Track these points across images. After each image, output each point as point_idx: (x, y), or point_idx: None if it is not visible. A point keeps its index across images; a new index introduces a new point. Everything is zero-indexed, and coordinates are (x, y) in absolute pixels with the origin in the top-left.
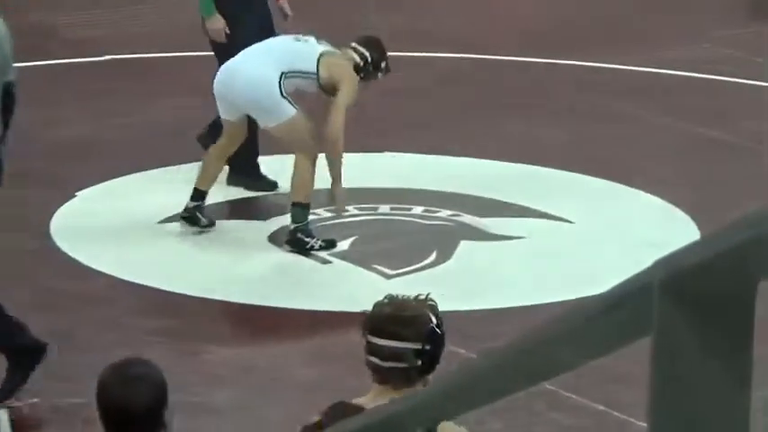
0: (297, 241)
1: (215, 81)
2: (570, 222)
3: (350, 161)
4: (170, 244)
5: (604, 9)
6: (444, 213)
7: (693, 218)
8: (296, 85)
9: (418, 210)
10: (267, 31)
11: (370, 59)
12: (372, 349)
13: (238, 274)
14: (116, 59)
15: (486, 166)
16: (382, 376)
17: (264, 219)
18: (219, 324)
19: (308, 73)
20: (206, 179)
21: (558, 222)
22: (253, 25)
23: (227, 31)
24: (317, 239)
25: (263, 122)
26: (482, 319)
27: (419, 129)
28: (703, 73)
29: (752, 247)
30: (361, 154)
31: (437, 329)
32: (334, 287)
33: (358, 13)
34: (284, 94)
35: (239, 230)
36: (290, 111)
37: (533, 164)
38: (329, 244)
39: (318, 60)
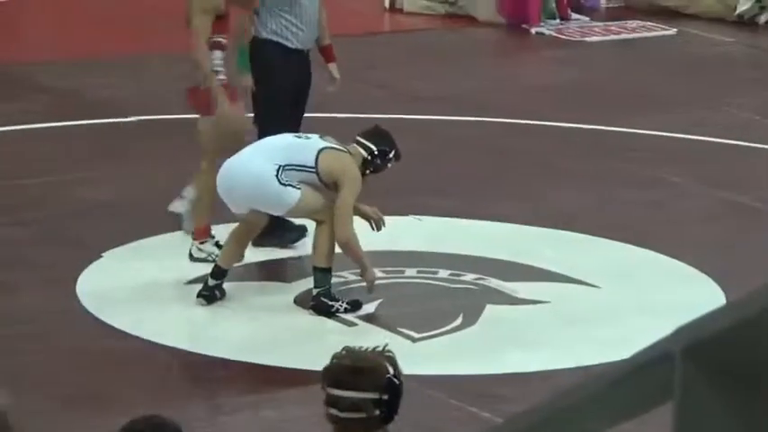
0: (321, 305)
1: (217, 178)
2: (596, 287)
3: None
4: (196, 306)
5: (631, 74)
6: (470, 277)
7: (720, 284)
8: (296, 178)
9: (444, 273)
10: (301, 92)
11: (377, 152)
12: (331, 400)
13: (264, 336)
14: (141, 120)
15: (512, 230)
16: (341, 427)
17: (290, 281)
18: (246, 386)
19: (305, 167)
20: (227, 259)
21: (584, 287)
22: (287, 81)
23: (253, 89)
24: (342, 302)
25: (274, 213)
26: (507, 384)
27: (444, 192)
28: (731, 139)
29: None
30: (385, 217)
31: (395, 379)
32: None
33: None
34: (284, 182)
35: (265, 293)
36: (294, 195)
37: (560, 228)
38: (354, 305)
39: (318, 155)
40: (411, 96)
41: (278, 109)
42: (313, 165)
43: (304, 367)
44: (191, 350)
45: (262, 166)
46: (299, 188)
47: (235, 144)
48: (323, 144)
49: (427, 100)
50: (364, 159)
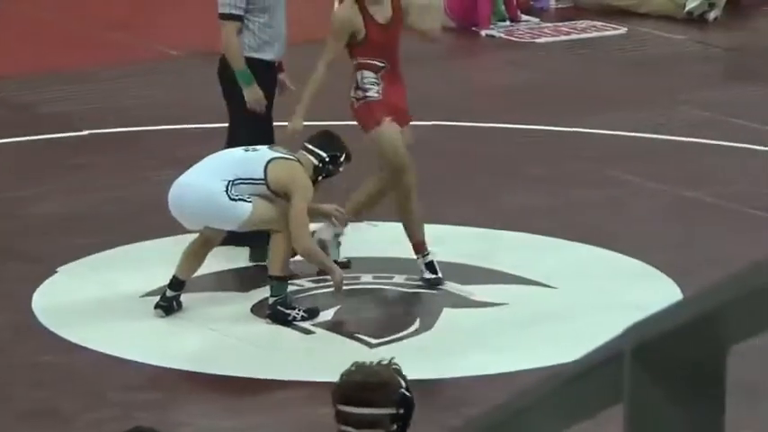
0: (277, 314)
1: (169, 197)
2: (553, 288)
3: None
4: (154, 318)
5: (583, 74)
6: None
7: (677, 281)
8: (248, 191)
9: (400, 278)
10: (272, 103)
11: (327, 158)
12: (345, 418)
13: (222, 346)
14: (96, 134)
15: (468, 233)
16: None
17: (247, 290)
18: (204, 397)
19: (255, 179)
20: (185, 270)
21: (541, 288)
22: (265, 95)
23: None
24: (298, 310)
25: (228, 228)
26: (465, 387)
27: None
28: (683, 136)
29: (721, 313)
30: None
31: (407, 393)
32: (317, 357)
33: None
34: (234, 197)
35: (222, 303)
36: (245, 209)
37: (515, 230)
38: (311, 313)
39: (266, 166)
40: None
41: (256, 124)
42: (262, 177)
43: (262, 376)
44: (148, 362)
45: (211, 183)
46: (250, 201)
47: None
48: (271, 155)
49: None
50: (315, 166)
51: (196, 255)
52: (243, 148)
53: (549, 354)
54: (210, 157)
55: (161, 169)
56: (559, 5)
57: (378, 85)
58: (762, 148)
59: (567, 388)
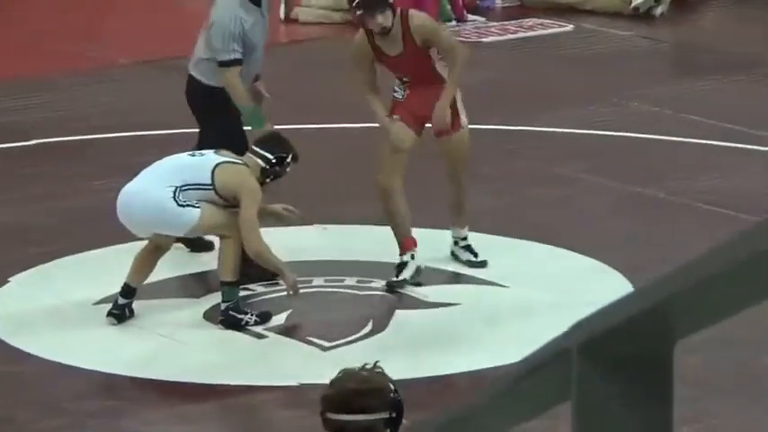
0: (230, 319)
1: (117, 204)
2: (505, 287)
3: (280, 235)
4: (106, 325)
5: (531, 72)
6: (378, 283)
7: (629, 278)
8: (195, 197)
9: (352, 281)
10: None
11: (274, 159)
12: (338, 426)
13: (175, 352)
14: (46, 143)
15: (420, 234)
16: None
17: (199, 296)
18: (158, 403)
19: (202, 185)
20: (136, 277)
21: (492, 287)
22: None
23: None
24: (251, 315)
25: (177, 234)
26: (419, 388)
27: (347, 200)
28: (633, 132)
29: (667, 307)
30: (290, 227)
31: (397, 396)
32: (270, 361)
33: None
34: (182, 203)
35: (174, 309)
36: (194, 214)
37: (471, 231)
38: (264, 317)
39: (213, 171)
40: (312, 106)
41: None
42: (209, 182)
43: (216, 382)
44: (102, 370)
45: (158, 190)
46: (198, 207)
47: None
48: (218, 159)
49: (327, 108)
50: (262, 169)
51: (147, 261)
52: (189, 153)
53: (501, 353)
54: (157, 163)
55: (111, 177)
56: (506, 4)
57: (403, 90)
58: (711, 142)
59: (516, 386)
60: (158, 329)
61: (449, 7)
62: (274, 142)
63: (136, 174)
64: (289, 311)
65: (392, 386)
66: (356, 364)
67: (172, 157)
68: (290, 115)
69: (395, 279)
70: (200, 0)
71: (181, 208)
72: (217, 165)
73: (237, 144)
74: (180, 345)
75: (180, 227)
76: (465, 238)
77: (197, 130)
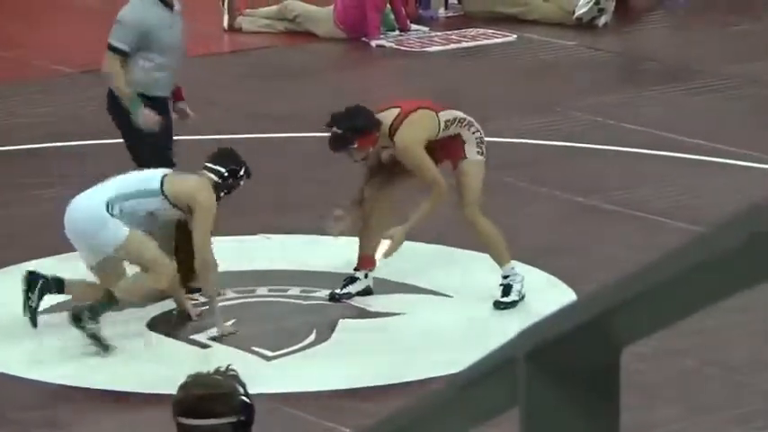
0: (76, 318)
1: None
2: (449, 297)
3: (224, 245)
4: (48, 336)
5: (474, 82)
6: (322, 293)
7: (572, 287)
8: (139, 209)
9: (295, 290)
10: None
11: (227, 173)
12: (187, 431)
13: (118, 361)
14: None
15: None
16: None
17: (142, 306)
18: (103, 414)
19: (147, 191)
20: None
21: (437, 297)
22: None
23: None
24: (94, 325)
25: (107, 252)
26: (362, 397)
27: (291, 209)
28: (575, 141)
29: (613, 314)
30: (234, 237)
31: (247, 399)
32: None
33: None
34: (113, 213)
35: (118, 318)
36: (120, 232)
37: (410, 240)
38: (97, 341)
39: (163, 180)
40: (257, 115)
41: (156, 150)
42: (157, 187)
43: (160, 391)
44: (46, 380)
45: (94, 199)
46: (126, 228)
47: None
48: (168, 171)
49: (273, 118)
50: (216, 183)
51: (93, 290)
52: (140, 170)
53: (446, 363)
54: (105, 181)
55: (53, 187)
56: (449, 14)
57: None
58: (653, 152)
59: (462, 394)
60: (110, 341)
61: (392, 17)
62: (226, 157)
63: (77, 184)
64: (232, 321)
65: (242, 389)
66: (300, 373)
67: (123, 174)
68: (235, 124)
69: (339, 291)
70: None
71: (109, 218)
72: (165, 174)
73: (162, 155)
74: (124, 354)
75: (105, 239)
76: (505, 277)
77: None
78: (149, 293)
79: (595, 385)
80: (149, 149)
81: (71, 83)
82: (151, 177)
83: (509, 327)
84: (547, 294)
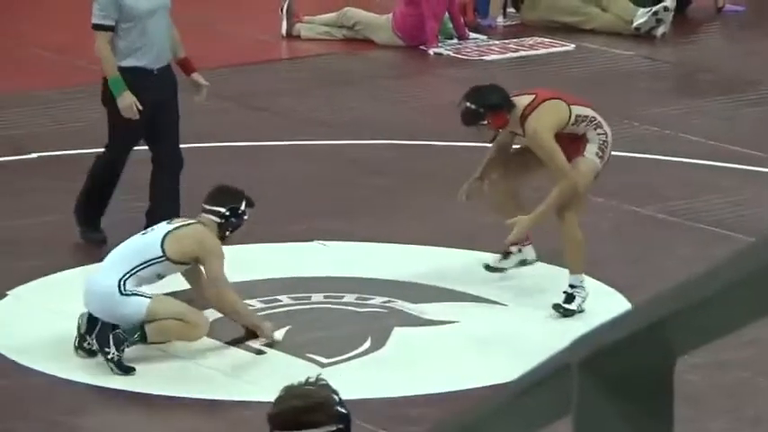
0: (112, 340)
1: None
2: (504, 305)
3: (280, 251)
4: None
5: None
6: (377, 300)
7: (627, 296)
8: (148, 275)
9: (351, 297)
10: (160, 109)
11: (227, 212)
12: None
13: (179, 367)
14: (42, 157)
15: (417, 252)
16: None
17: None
18: (152, 417)
19: (153, 260)
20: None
21: (491, 306)
22: (145, 106)
23: (139, 107)
24: (119, 354)
25: (135, 320)
26: (418, 405)
27: (348, 216)
28: (632, 151)
29: (667, 324)
30: (290, 243)
31: (342, 408)
32: (268, 377)
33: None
34: (127, 292)
35: None
36: (141, 304)
37: (463, 248)
38: (123, 368)
39: (162, 243)
40: (314, 122)
41: (125, 133)
42: (160, 254)
43: (214, 397)
44: (96, 384)
45: (106, 282)
46: (148, 297)
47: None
48: (167, 229)
49: (330, 124)
50: (219, 224)
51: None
52: (142, 232)
53: (500, 371)
54: (114, 250)
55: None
56: (507, 23)
57: None
58: (712, 163)
59: (516, 401)
60: (168, 348)
61: (450, 25)
62: (223, 195)
63: (129, 188)
64: (287, 327)
65: (337, 398)
66: (354, 381)
67: (127, 241)
68: (293, 131)
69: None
70: (193, 15)
71: (125, 297)
72: (165, 235)
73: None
74: (184, 360)
75: (130, 317)
76: (572, 287)
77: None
78: (182, 338)
79: (649, 395)
80: (113, 148)
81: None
82: (151, 244)
83: (563, 336)
84: (601, 304)
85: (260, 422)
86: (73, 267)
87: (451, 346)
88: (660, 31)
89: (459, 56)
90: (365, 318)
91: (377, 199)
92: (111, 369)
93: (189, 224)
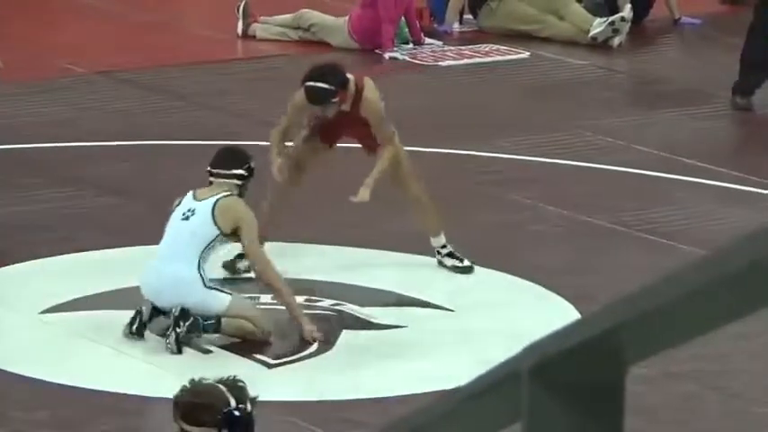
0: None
1: (142, 283)
2: (451, 311)
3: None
4: (52, 335)
5: (485, 97)
6: (326, 303)
7: (575, 305)
8: (210, 254)
9: (300, 299)
10: None
11: (246, 172)
12: None
13: (120, 365)
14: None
15: (367, 256)
16: None
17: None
18: (106, 416)
19: (213, 240)
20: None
21: (439, 311)
22: None
23: None
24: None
25: (213, 313)
26: (364, 408)
27: (299, 219)
28: (584, 161)
29: (619, 333)
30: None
31: (236, 412)
32: (214, 377)
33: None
34: (208, 284)
35: (119, 321)
36: (222, 300)
37: (414, 252)
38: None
39: (213, 218)
40: (266, 123)
41: None
42: (217, 232)
43: (159, 395)
44: (49, 380)
45: (184, 274)
46: (229, 294)
47: None
48: (208, 205)
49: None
50: (239, 186)
51: None
52: (180, 214)
53: (448, 377)
54: (167, 240)
55: (52, 188)
56: (463, 29)
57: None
58: (663, 174)
59: (465, 406)
60: (106, 341)
61: (406, 30)
62: (234, 156)
63: (79, 184)
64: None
65: (232, 402)
66: (300, 383)
67: (173, 228)
68: (246, 131)
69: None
70: (150, 13)
71: (209, 291)
72: (212, 211)
73: None
74: (125, 357)
75: (211, 309)
76: (444, 246)
77: (137, 142)
78: (250, 338)
79: (599, 403)
80: None
81: (81, 83)
82: (204, 224)
83: (511, 344)
84: (549, 311)
85: None
86: (18, 262)
87: (399, 350)
88: (617, 41)
89: (415, 61)
90: (313, 320)
91: (326, 202)
92: (168, 345)
93: (222, 195)
